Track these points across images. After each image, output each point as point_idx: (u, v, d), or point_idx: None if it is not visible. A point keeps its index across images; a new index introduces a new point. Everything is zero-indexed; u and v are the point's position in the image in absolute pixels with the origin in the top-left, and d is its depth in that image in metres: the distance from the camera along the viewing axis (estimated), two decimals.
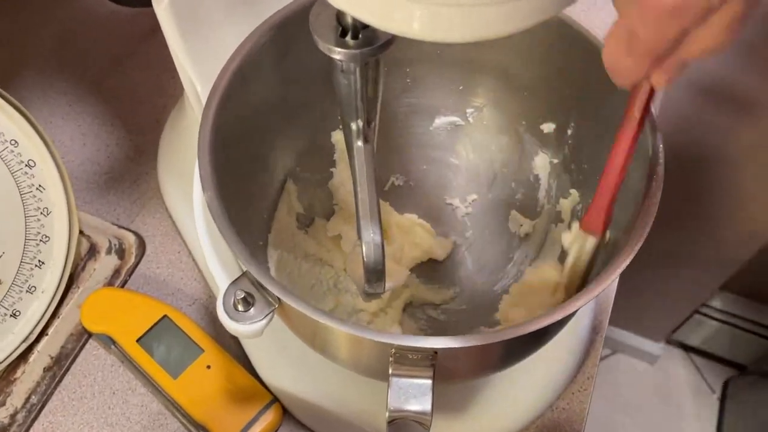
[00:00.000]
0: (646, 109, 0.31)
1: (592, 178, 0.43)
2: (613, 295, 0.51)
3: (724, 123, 0.89)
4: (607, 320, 0.50)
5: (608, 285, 0.31)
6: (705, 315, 1.36)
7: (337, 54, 0.27)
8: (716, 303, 1.34)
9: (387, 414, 0.31)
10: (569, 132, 0.44)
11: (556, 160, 0.46)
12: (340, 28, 0.27)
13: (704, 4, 0.22)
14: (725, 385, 1.42)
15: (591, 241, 0.36)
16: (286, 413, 0.45)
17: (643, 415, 1.39)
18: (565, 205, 0.45)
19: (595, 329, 0.49)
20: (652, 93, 0.30)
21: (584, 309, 0.48)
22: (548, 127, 0.45)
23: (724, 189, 0.99)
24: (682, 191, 0.98)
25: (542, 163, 0.47)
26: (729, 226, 1.06)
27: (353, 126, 0.32)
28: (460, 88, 0.48)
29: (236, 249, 0.31)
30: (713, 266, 1.15)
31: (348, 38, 0.27)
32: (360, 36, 0.27)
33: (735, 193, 1.00)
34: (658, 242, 1.11)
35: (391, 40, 0.28)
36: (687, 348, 1.46)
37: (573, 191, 0.45)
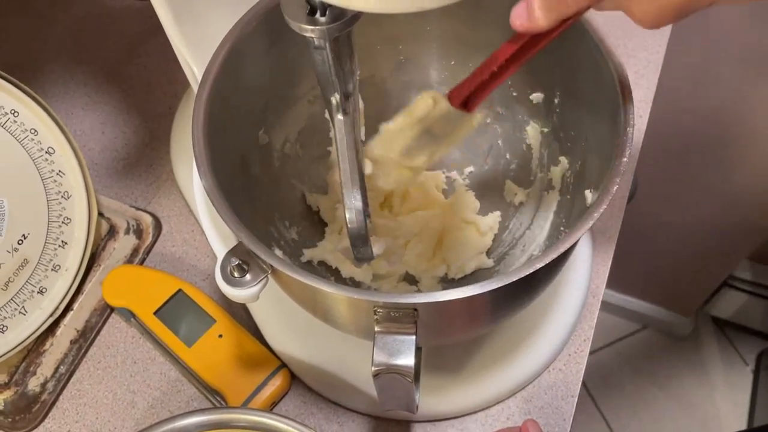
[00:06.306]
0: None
1: (579, 145, 0.44)
2: (610, 261, 0.52)
3: (746, 85, 0.87)
4: (604, 284, 0.51)
5: (581, 234, 0.32)
6: (736, 287, 1.35)
7: (307, 31, 0.29)
8: (746, 275, 1.32)
9: (372, 368, 0.33)
10: (556, 101, 0.45)
11: (546, 129, 0.47)
12: (309, 7, 0.29)
13: None
14: (759, 358, 1.40)
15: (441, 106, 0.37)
16: (294, 378, 0.48)
17: (675, 388, 1.38)
18: (556, 172, 0.46)
19: (592, 293, 0.50)
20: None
21: (580, 273, 0.49)
22: (537, 97, 0.46)
23: (749, 155, 0.98)
24: (706, 159, 0.98)
25: (533, 132, 0.48)
26: (755, 193, 1.04)
27: (332, 100, 0.34)
28: (452, 63, 0.49)
29: (226, 218, 0.33)
30: (740, 235, 1.14)
31: (317, 16, 0.29)
32: (327, 13, 0.29)
33: (760, 160, 0.98)
34: (683, 212, 1.10)
35: (358, 15, 0.30)
36: (718, 321, 1.44)
37: (562, 158, 0.46)
